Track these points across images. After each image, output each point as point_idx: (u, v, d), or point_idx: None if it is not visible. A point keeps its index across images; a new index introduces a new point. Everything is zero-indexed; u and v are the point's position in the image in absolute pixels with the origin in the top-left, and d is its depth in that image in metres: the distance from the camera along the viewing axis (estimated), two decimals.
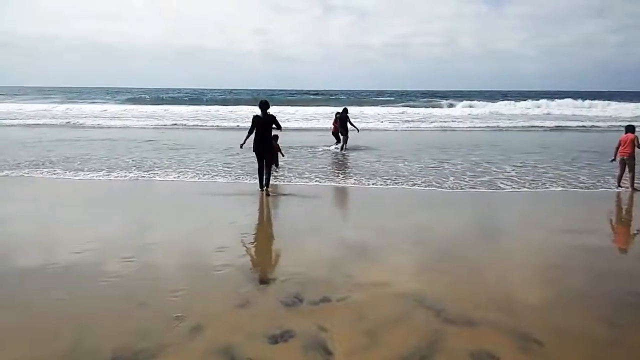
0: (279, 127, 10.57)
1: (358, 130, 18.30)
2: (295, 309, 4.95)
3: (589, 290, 5.58)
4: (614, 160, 11.45)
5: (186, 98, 59.68)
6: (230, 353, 4.10)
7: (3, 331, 4.57)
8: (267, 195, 10.23)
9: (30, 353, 4.18)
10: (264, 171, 10.43)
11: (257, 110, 10.51)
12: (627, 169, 11.15)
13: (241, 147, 10.48)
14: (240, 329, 4.54)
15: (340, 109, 18.21)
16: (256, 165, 10.70)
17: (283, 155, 13.70)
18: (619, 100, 51.67)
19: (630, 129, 11.42)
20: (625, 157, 11.16)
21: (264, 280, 5.65)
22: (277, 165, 13.09)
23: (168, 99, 58.10)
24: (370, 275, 5.87)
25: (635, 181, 11.10)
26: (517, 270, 6.25)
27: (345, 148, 17.32)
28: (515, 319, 4.75)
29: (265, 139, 10.36)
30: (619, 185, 11.14)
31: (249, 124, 10.42)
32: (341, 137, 17.52)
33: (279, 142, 13.13)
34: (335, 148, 17.54)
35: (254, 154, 10.55)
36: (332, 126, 18.39)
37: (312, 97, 68.26)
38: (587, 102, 48.77)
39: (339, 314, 4.83)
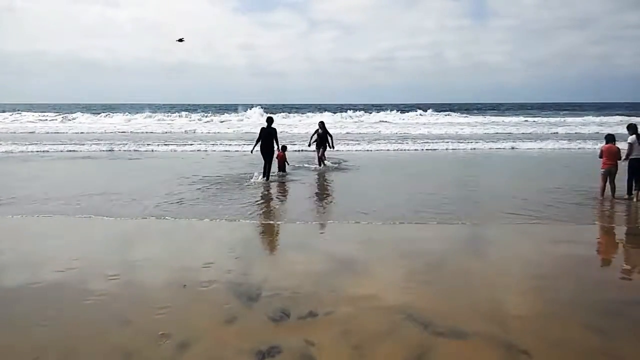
0: (276, 142, 13.96)
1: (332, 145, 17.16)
2: (282, 324, 4.91)
3: (577, 300, 5.61)
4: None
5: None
6: None
7: None
8: (268, 181, 13.52)
9: None
10: (267, 167, 13.74)
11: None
12: (608, 180, 11.10)
13: (252, 152, 14.39)
14: (227, 345, 4.48)
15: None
16: (262, 163, 13.90)
17: (288, 164, 15.57)
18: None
19: (611, 138, 11.33)
20: (612, 169, 11.07)
21: (251, 296, 5.59)
22: (284, 171, 15.27)
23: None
24: (357, 289, 5.84)
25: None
26: (504, 281, 6.26)
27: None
28: (503, 330, 4.75)
29: (268, 144, 13.83)
30: (602, 197, 11.15)
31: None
32: (321, 152, 16.61)
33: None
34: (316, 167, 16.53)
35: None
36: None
37: (297, 109, 68.47)
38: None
39: (327, 329, 4.79)
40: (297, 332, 4.70)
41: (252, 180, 13.65)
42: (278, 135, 14.25)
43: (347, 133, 31.59)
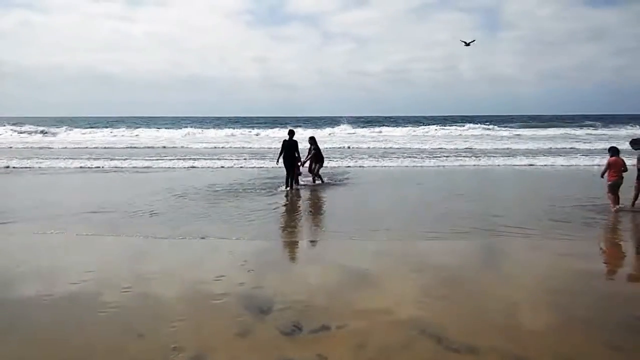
0: (298, 154, 15.01)
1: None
2: (294, 337, 4.89)
3: (593, 315, 5.52)
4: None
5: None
6: None
7: None
8: (292, 190, 14.62)
9: None
10: (289, 177, 14.84)
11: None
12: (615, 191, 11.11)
13: (277, 163, 15.22)
14: (240, 358, 4.48)
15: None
16: (284, 174, 14.97)
17: (303, 165, 15.59)
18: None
19: (616, 151, 11.40)
20: (619, 181, 11.09)
21: (263, 309, 5.58)
22: (298, 183, 15.39)
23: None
24: (370, 303, 5.81)
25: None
26: (519, 296, 6.18)
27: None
28: (518, 346, 4.68)
29: (290, 156, 14.92)
30: (617, 207, 11.07)
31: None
32: (317, 169, 16.20)
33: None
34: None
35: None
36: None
37: (310, 122, 68.85)
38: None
39: (339, 343, 4.76)
40: (309, 346, 4.67)
41: (279, 189, 14.66)
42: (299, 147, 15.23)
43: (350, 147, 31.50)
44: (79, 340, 4.95)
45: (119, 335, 5.03)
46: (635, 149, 11.22)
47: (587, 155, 23.81)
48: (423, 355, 4.51)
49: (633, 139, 11.76)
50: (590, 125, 53.37)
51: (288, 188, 14.82)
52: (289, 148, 15.01)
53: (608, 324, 5.28)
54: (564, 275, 7.03)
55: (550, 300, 6.01)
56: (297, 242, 9.33)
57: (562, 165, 21.16)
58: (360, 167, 20.91)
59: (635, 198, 11.27)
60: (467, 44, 18.23)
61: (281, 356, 4.47)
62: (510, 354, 4.51)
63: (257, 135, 43.66)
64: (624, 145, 11.97)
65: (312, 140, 16.14)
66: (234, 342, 4.82)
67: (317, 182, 15.93)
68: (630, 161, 11.38)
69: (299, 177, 15.63)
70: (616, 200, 11.08)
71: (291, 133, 15.51)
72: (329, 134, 41.74)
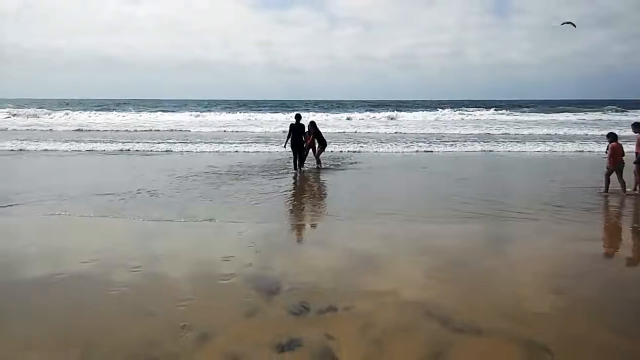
0: (304, 136, 15.41)
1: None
2: (302, 317, 4.95)
3: (599, 298, 5.54)
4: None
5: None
6: None
7: (12, 342, 4.59)
8: (299, 172, 14.89)
9: None
10: (298, 159, 15.29)
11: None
12: (618, 175, 11.30)
13: (284, 147, 15.72)
14: (248, 338, 4.54)
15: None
16: (292, 157, 15.52)
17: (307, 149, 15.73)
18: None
19: (615, 137, 11.62)
20: (621, 165, 11.31)
21: (271, 290, 5.64)
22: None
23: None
24: (377, 285, 5.85)
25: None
26: (524, 278, 6.21)
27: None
28: (524, 327, 4.72)
29: (298, 140, 15.33)
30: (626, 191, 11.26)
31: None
32: (318, 152, 16.20)
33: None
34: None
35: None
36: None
37: (317, 107, 68.67)
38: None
39: (346, 323, 4.82)
40: (316, 326, 4.73)
41: (286, 171, 14.95)
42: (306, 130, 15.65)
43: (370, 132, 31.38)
44: (89, 319, 5.03)
45: (128, 314, 5.11)
46: (636, 132, 11.42)
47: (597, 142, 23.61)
48: (428, 336, 4.56)
49: (636, 122, 11.90)
50: (610, 109, 53.03)
51: (296, 171, 15.10)
52: (297, 132, 15.36)
53: (613, 307, 5.31)
54: (568, 258, 7.04)
55: (555, 282, 6.03)
56: (304, 224, 9.38)
57: (575, 151, 20.94)
58: (366, 151, 20.82)
59: (638, 182, 11.34)
60: (567, 24, 17.37)
61: (289, 335, 4.53)
62: (516, 335, 4.55)
63: (256, 118, 42.80)
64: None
65: (313, 125, 16.12)
66: (242, 322, 4.88)
67: (318, 166, 15.91)
68: (627, 148, 11.55)
69: (320, 160, 15.89)
70: (623, 185, 11.23)
71: (298, 117, 15.80)
72: (337, 119, 41.46)
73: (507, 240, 8.18)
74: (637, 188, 11.34)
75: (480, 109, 53.47)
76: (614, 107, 56.89)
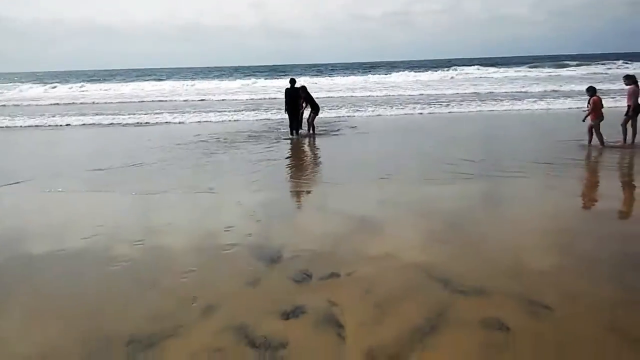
0: (305, 100, 15.41)
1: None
2: (305, 284, 5.00)
3: (598, 253, 5.60)
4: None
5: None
6: (244, 331, 4.16)
7: (17, 319, 4.65)
8: (297, 137, 15.08)
9: (47, 339, 4.26)
10: (294, 124, 15.36)
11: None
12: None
13: (285, 112, 15.58)
14: (252, 307, 4.59)
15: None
16: (288, 122, 15.65)
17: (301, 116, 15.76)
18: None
19: (595, 90, 11.85)
20: (601, 118, 11.62)
21: (273, 258, 5.69)
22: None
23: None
24: (377, 249, 5.90)
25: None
26: (523, 236, 6.27)
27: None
28: (524, 285, 4.78)
29: (293, 104, 15.34)
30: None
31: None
32: (311, 118, 15.81)
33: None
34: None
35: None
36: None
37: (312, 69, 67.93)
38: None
39: (348, 289, 4.88)
40: (319, 293, 4.79)
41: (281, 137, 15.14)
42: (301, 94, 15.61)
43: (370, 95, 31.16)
44: (93, 293, 5.08)
45: (132, 287, 5.16)
46: (627, 84, 11.66)
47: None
48: (431, 298, 4.62)
49: (627, 74, 12.16)
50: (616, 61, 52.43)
51: (292, 136, 15.20)
52: (292, 96, 15.39)
53: (612, 261, 5.38)
54: (566, 214, 7.09)
55: (554, 240, 6.10)
56: (303, 191, 9.38)
57: (570, 108, 20.76)
58: (360, 116, 20.59)
59: (634, 134, 11.59)
60: None
61: (292, 303, 4.59)
62: (517, 293, 4.62)
63: (253, 83, 42.45)
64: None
65: (304, 89, 15.82)
66: (246, 291, 4.94)
67: (311, 131, 15.71)
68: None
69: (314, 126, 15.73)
70: (591, 139, 11.62)
71: (292, 81, 15.84)
72: (331, 83, 41.00)
73: (502, 198, 8.21)
74: (626, 139, 11.58)
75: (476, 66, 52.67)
76: (618, 61, 55.90)
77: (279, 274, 5.27)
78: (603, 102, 11.70)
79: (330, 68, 76.70)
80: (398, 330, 4.09)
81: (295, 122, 15.46)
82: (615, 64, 50.81)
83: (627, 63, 51.50)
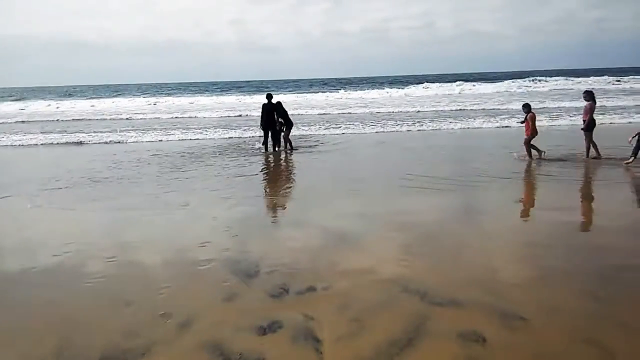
0: (280, 115, 15.44)
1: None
2: (281, 299, 4.97)
3: (571, 266, 5.69)
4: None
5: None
6: (220, 347, 4.10)
7: None
8: (272, 152, 15.14)
9: (18, 356, 4.14)
10: (269, 139, 15.43)
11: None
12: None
13: (260, 126, 15.63)
14: (228, 322, 4.54)
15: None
16: (262, 137, 15.65)
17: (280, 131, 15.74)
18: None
19: (530, 107, 12.46)
20: (536, 134, 12.28)
21: (249, 273, 5.64)
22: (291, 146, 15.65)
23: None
24: (354, 263, 5.90)
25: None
26: (498, 249, 6.35)
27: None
28: (500, 298, 4.83)
29: (269, 119, 15.39)
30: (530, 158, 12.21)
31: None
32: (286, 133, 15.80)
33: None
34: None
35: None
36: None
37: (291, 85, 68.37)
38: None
39: (325, 303, 4.86)
40: (296, 307, 4.76)
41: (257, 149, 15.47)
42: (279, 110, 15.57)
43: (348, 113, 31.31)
44: (66, 310, 4.96)
45: (106, 304, 5.05)
46: (587, 100, 12.15)
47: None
48: (408, 310, 4.63)
49: (586, 90, 12.71)
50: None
51: (266, 151, 15.24)
52: (268, 111, 15.42)
53: (585, 274, 5.48)
54: (539, 227, 7.22)
55: (528, 252, 6.19)
56: (279, 206, 9.34)
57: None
58: (334, 133, 20.22)
59: (595, 148, 12.00)
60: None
61: (269, 318, 4.54)
62: (493, 306, 4.66)
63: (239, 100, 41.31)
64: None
65: (279, 105, 15.86)
66: (222, 307, 4.88)
67: (286, 147, 15.62)
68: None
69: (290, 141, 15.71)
70: (530, 152, 12.17)
71: (269, 96, 15.87)
72: (309, 99, 41.04)
73: (480, 211, 8.33)
74: (589, 153, 12.04)
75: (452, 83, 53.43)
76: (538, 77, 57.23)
77: (256, 289, 5.22)
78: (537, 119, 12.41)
79: (309, 84, 77.25)
80: (376, 343, 4.08)
81: (271, 137, 15.46)
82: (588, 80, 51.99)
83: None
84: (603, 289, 5.05)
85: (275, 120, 15.50)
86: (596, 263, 5.80)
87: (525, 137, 12.17)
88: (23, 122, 28.87)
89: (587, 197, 9.43)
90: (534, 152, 12.20)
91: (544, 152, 12.21)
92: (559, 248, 6.33)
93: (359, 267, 5.74)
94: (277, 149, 15.47)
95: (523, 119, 12.33)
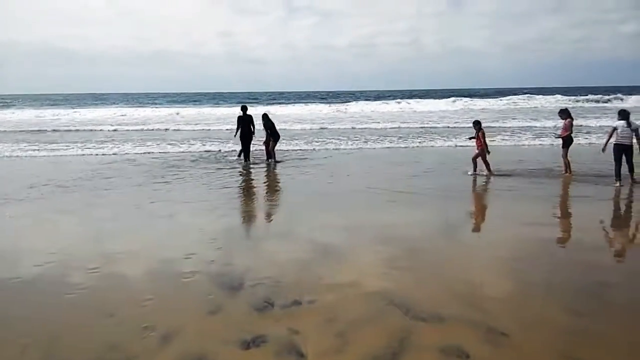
0: (253, 127, 15.88)
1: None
2: (266, 313, 4.95)
3: (552, 282, 5.77)
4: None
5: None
6: None
7: None
8: (249, 163, 15.32)
9: None
10: (246, 151, 15.74)
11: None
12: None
13: (234, 136, 16.18)
14: (212, 336, 4.51)
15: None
16: (240, 148, 15.99)
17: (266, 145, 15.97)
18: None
19: (480, 124, 12.84)
20: (485, 152, 12.63)
21: (234, 286, 5.62)
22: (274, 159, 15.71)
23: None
24: (339, 277, 5.91)
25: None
26: (481, 264, 6.41)
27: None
28: (482, 312, 4.88)
29: (246, 131, 15.78)
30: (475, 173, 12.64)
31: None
32: (271, 146, 15.89)
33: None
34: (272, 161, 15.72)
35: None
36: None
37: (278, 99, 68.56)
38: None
39: (310, 317, 4.85)
40: (281, 321, 4.75)
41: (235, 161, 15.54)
42: (255, 122, 16.05)
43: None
44: (48, 321, 4.89)
45: (88, 316, 4.99)
46: (563, 119, 12.55)
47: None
48: (392, 325, 4.65)
49: (561, 109, 13.11)
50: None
51: (246, 162, 15.50)
52: (245, 123, 15.81)
53: (567, 289, 5.55)
54: (522, 242, 7.31)
55: (511, 267, 6.26)
56: (265, 218, 9.33)
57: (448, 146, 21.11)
58: (319, 148, 20.57)
59: (568, 164, 12.39)
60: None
61: (253, 332, 4.52)
62: (475, 321, 4.70)
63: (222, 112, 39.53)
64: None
65: (265, 117, 16.04)
66: (206, 320, 4.85)
67: (271, 160, 15.63)
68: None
69: (273, 154, 15.74)
70: (477, 167, 12.61)
71: (244, 108, 16.22)
72: (296, 112, 40.88)
73: (464, 226, 8.41)
74: (567, 170, 12.36)
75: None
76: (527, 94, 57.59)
77: (240, 302, 5.20)
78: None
79: (296, 96, 77.61)
80: (360, 358, 4.09)
81: (247, 148, 15.78)
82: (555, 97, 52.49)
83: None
84: (584, 304, 5.12)
85: (251, 131, 15.82)
86: (579, 279, 5.89)
87: (477, 151, 12.59)
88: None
89: (565, 213, 9.56)
90: (479, 168, 12.63)
91: (476, 171, 12.60)
92: (543, 263, 6.41)
93: (344, 281, 5.73)
94: (248, 159, 15.67)
95: (473, 135, 12.75)
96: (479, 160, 12.63)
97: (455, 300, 5.19)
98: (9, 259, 6.87)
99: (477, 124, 12.73)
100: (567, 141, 12.34)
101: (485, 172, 12.55)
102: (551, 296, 5.35)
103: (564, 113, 12.65)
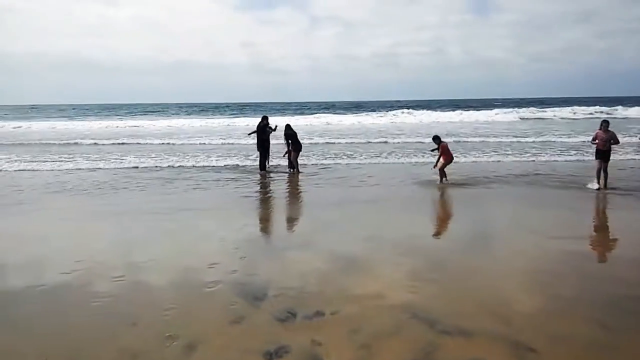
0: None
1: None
2: (289, 324, 4.92)
3: (580, 295, 5.62)
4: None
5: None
6: None
7: None
8: (268, 172, 15.50)
9: None
10: (263, 159, 15.86)
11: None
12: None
13: (248, 135, 18.39)
14: (234, 346, 4.50)
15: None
16: (259, 157, 16.09)
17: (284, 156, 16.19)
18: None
19: (440, 138, 13.36)
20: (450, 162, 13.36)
21: (257, 296, 5.60)
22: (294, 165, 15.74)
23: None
24: (362, 288, 5.85)
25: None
26: (507, 277, 6.27)
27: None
28: (509, 327, 4.77)
29: (264, 139, 15.89)
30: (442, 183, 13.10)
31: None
32: (293, 157, 15.77)
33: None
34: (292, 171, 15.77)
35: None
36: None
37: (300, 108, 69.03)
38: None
39: (333, 328, 4.81)
40: (304, 332, 4.71)
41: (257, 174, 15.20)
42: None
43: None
44: (73, 329, 4.94)
45: (112, 324, 5.02)
46: (437, 144, 13.23)
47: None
48: (416, 338, 4.57)
49: (604, 119, 12.59)
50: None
51: (263, 171, 15.64)
52: (261, 132, 15.88)
53: (595, 303, 5.39)
54: (549, 255, 7.14)
55: (538, 280, 6.11)
56: (287, 228, 9.33)
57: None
58: (340, 163, 19.76)
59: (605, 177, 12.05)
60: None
61: (276, 342, 4.50)
62: (502, 335, 4.59)
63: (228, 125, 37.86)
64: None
65: (288, 127, 15.96)
66: (228, 329, 4.84)
67: (294, 170, 15.58)
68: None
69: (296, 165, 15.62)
70: (444, 175, 13.14)
71: (265, 118, 16.31)
72: (317, 122, 40.51)
73: (490, 237, 8.26)
74: (600, 181, 12.02)
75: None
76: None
77: (263, 313, 5.18)
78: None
79: (318, 106, 78.01)
80: None
81: (263, 158, 15.89)
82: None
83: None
84: (612, 318, 4.96)
85: (268, 140, 15.91)
86: (607, 292, 5.71)
87: (442, 162, 13.11)
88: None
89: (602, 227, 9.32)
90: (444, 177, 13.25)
91: (447, 179, 13.17)
92: (571, 276, 6.24)
93: (367, 293, 5.68)
94: (267, 167, 15.93)
95: (435, 148, 13.45)
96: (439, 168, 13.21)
97: (482, 314, 5.08)
98: (34, 265, 6.97)
99: (436, 139, 13.40)
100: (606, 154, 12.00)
101: (444, 180, 13.14)
102: (580, 310, 5.20)
103: (607, 124, 12.20)
